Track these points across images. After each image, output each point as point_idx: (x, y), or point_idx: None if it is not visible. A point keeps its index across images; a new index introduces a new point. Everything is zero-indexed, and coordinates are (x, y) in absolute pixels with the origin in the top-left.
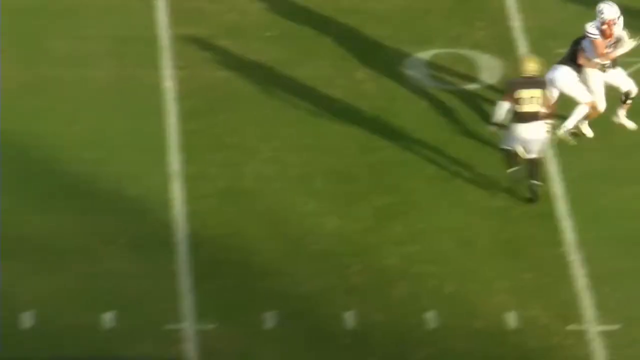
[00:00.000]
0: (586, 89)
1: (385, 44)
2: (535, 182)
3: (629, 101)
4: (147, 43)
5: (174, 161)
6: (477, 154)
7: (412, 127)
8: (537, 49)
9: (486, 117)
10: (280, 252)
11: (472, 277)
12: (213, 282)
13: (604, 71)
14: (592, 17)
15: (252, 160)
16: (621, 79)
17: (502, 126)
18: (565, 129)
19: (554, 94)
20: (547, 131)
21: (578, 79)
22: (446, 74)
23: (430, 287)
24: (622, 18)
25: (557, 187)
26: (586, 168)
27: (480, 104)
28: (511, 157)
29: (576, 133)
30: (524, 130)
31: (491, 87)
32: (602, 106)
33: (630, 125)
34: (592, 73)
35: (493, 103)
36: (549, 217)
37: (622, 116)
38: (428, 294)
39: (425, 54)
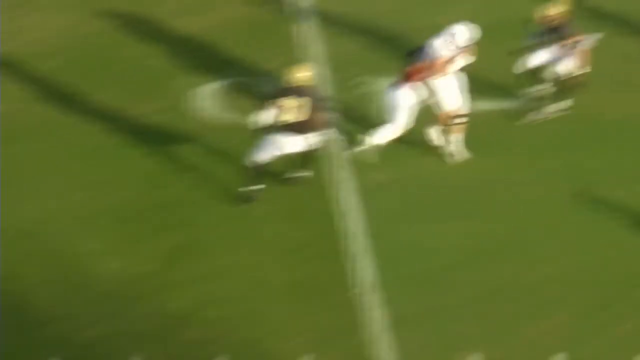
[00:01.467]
0: (408, 113)
1: (175, 73)
2: (306, 172)
3: (455, 120)
4: None
5: None
6: (269, 189)
7: (203, 162)
8: (336, 76)
9: None
10: (61, 296)
11: (264, 320)
12: None
13: (446, 75)
14: (390, 44)
15: (32, 198)
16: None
17: (262, 132)
18: (370, 143)
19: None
20: (314, 142)
21: (413, 100)
22: (239, 104)
23: (221, 331)
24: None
25: (354, 224)
26: (384, 204)
27: None
28: (257, 172)
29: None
30: (284, 141)
31: None
32: (457, 106)
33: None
34: (435, 81)
35: None
36: (346, 255)
37: (434, 133)
38: (218, 339)
39: (218, 84)
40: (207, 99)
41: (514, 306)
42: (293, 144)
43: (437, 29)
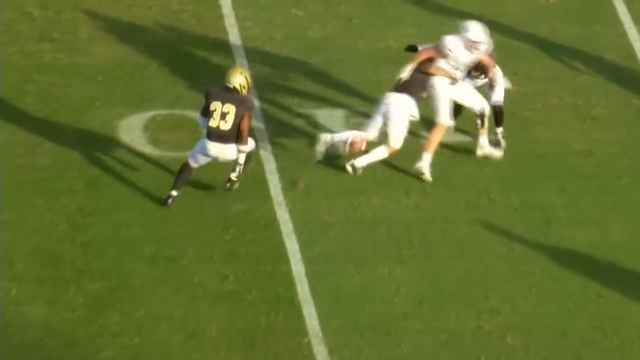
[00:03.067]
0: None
1: (96, 105)
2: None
3: (484, 122)
4: None
5: None
6: (201, 230)
7: (129, 199)
8: (270, 104)
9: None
10: None
11: None
12: None
13: (452, 84)
14: (328, 72)
15: None
16: (471, 98)
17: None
18: (354, 164)
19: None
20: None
21: (413, 113)
22: (167, 138)
23: None
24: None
25: (297, 267)
26: (327, 246)
27: (209, 170)
28: (184, 173)
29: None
30: (211, 148)
31: None
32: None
33: (497, 153)
34: (439, 84)
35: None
36: (290, 302)
37: (486, 145)
38: None
39: (142, 116)
40: (132, 132)
41: (474, 357)
42: (220, 151)
43: (378, 54)
